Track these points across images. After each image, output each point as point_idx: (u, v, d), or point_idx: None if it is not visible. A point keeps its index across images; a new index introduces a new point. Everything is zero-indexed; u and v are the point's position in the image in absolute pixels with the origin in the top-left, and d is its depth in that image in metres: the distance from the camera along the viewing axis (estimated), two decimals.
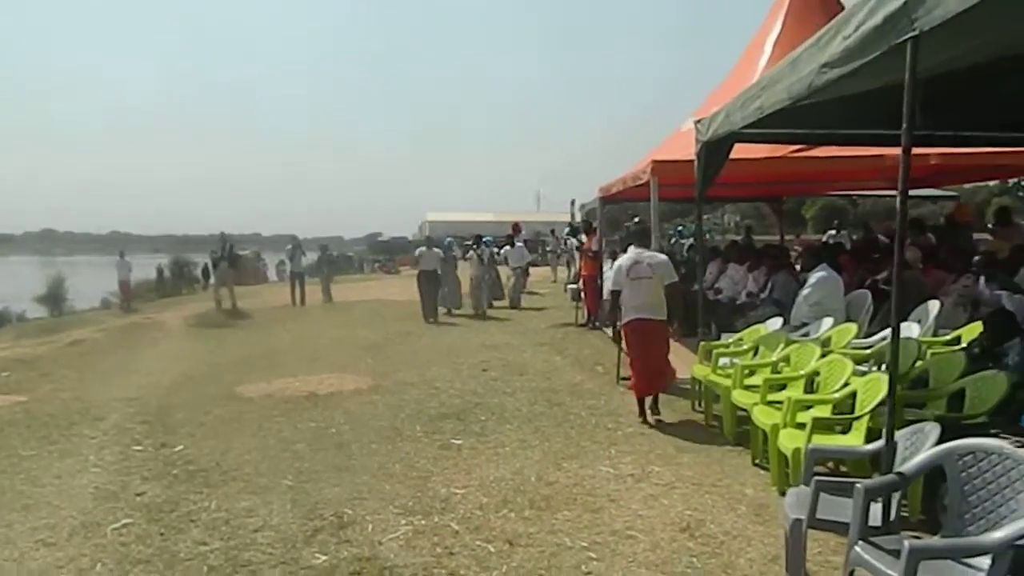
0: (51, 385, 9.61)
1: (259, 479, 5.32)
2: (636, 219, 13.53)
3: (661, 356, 6.78)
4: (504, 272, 17.36)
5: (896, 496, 3.15)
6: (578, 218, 16.03)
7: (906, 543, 2.54)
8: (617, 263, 7.13)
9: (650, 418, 6.63)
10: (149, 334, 15.23)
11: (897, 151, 3.18)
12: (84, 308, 24.52)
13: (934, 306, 6.70)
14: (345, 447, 6.06)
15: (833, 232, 19.11)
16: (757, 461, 5.29)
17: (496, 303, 16.34)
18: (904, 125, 3.10)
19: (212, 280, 19.33)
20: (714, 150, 6.76)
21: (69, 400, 8.44)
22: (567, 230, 19.76)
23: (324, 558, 3.97)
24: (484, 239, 17.01)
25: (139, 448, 6.26)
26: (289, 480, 5.27)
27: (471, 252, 16.42)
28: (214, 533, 4.34)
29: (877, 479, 3.17)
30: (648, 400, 6.77)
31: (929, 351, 5.58)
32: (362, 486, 5.09)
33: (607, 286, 11.66)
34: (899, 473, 3.08)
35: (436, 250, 15.29)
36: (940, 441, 3.11)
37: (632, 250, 6.86)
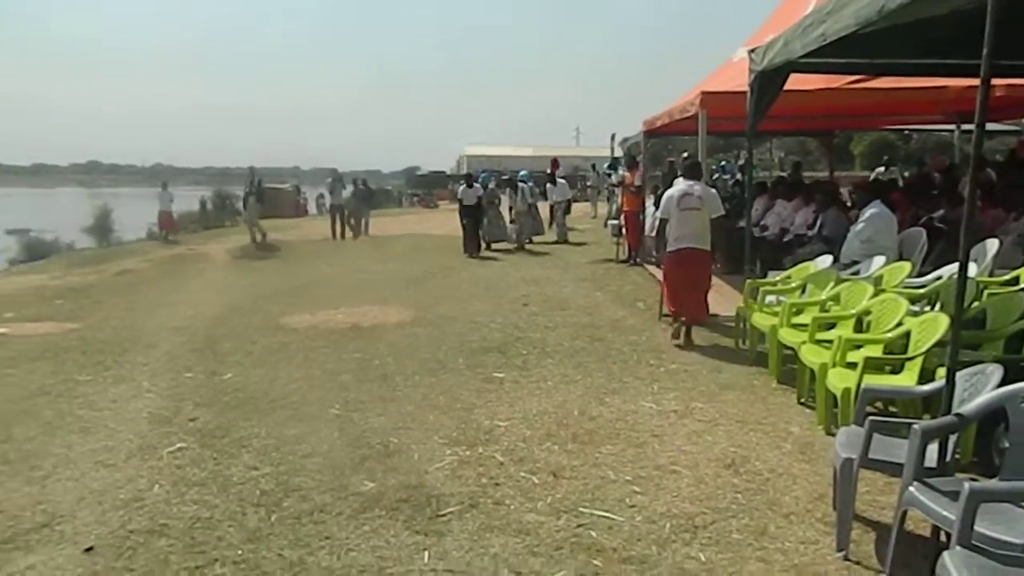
0: (102, 313, 9.86)
1: (306, 408, 5.43)
2: (685, 153, 13.21)
3: (702, 288, 7.06)
4: (544, 208, 17.26)
5: (953, 438, 3.08)
6: (618, 153, 15.69)
7: (966, 485, 2.49)
8: (668, 193, 7.32)
9: (682, 340, 6.98)
10: (194, 265, 15.50)
11: (961, 82, 3.00)
12: (130, 239, 24.99)
13: (992, 245, 6.48)
14: (389, 378, 6.13)
15: (882, 169, 18.42)
16: (802, 400, 5.24)
17: (536, 239, 16.30)
18: (984, 51, 2.90)
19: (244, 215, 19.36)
20: (768, 81, 6.50)
21: (120, 328, 8.67)
22: (607, 164, 19.41)
23: (372, 485, 4.05)
24: (521, 174, 16.89)
25: (190, 375, 6.42)
26: (336, 409, 5.37)
27: (507, 189, 16.50)
28: (264, 459, 4.46)
29: (936, 420, 3.10)
30: (683, 330, 7.06)
31: (986, 291, 5.40)
32: (407, 416, 5.17)
33: (649, 221, 11.59)
34: (958, 414, 3.01)
35: (476, 186, 15.22)
36: (1002, 383, 3.02)
37: (683, 181, 7.09)
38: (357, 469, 4.28)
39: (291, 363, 6.72)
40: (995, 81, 7.27)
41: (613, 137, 16.06)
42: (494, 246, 15.47)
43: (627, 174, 13.23)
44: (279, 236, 18.92)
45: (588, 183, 30.39)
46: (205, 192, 33.40)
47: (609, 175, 18.29)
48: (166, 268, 15.21)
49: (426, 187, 42.94)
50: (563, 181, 17.57)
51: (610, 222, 15.49)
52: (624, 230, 12.93)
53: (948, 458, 3.07)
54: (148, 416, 5.33)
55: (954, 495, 2.57)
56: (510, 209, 16.43)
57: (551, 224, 17.12)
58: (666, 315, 7.84)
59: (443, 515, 3.71)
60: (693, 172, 7.23)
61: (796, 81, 7.00)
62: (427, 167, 55.30)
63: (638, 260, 12.38)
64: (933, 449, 3.03)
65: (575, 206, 20.54)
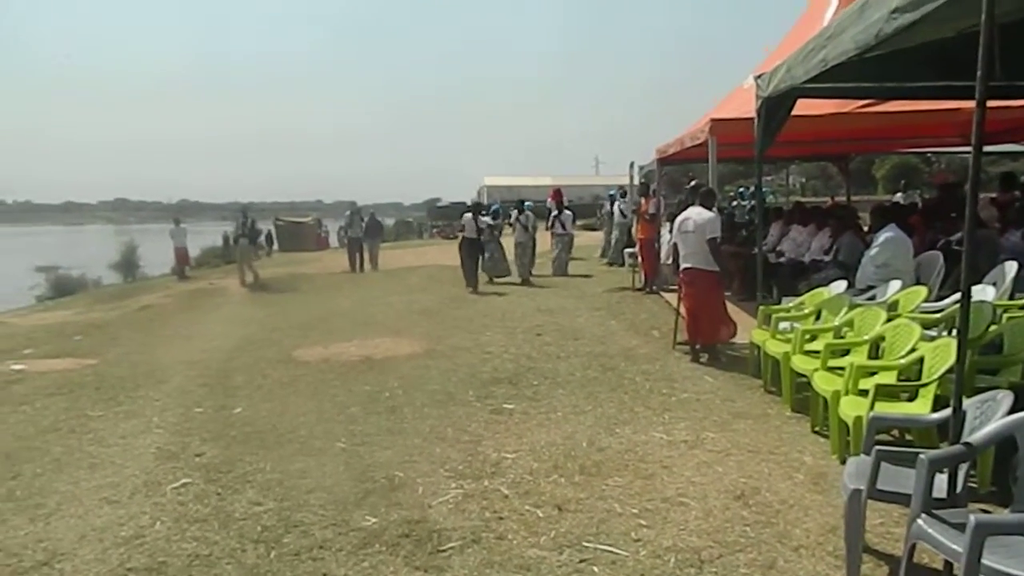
0: (120, 349, 9.95)
1: (313, 441, 5.40)
2: (693, 181, 13.16)
3: (709, 307, 7.43)
4: (546, 239, 17.02)
5: (963, 468, 2.98)
6: (636, 180, 15.67)
7: (972, 517, 2.39)
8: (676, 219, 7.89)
9: (699, 358, 7.39)
10: (212, 299, 15.64)
11: (974, 104, 2.95)
12: (155, 274, 25.34)
13: (1011, 268, 6.34)
14: (398, 411, 6.10)
15: (901, 194, 18.22)
16: (817, 429, 5.12)
17: (535, 271, 15.70)
18: (979, 74, 2.86)
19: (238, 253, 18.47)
20: (775, 107, 6.49)
21: (136, 363, 8.72)
22: (611, 193, 19.33)
23: (374, 520, 4.00)
24: (525, 204, 16.58)
25: (200, 410, 6.43)
26: (343, 443, 5.33)
27: (514, 218, 16.01)
28: (268, 494, 4.42)
29: (943, 449, 3.00)
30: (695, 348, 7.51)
31: (1005, 315, 5.28)
32: (413, 449, 5.12)
33: (664, 249, 11.58)
34: (967, 443, 2.91)
35: (484, 216, 14.78)
36: (1014, 410, 2.93)
37: (691, 208, 7.58)
38: (360, 504, 4.23)
39: (301, 396, 6.71)
40: (1010, 102, 7.25)
41: (632, 165, 16.07)
42: (496, 280, 14.92)
43: (642, 202, 13.21)
44: (298, 269, 19.09)
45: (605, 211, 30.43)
46: (228, 228, 33.87)
47: (611, 202, 18.17)
48: (185, 303, 15.36)
49: (446, 218, 43.19)
50: (568, 212, 17.12)
51: (625, 250, 15.40)
52: (639, 258, 12.87)
53: (959, 488, 2.97)
54: (155, 452, 5.32)
55: (963, 527, 2.48)
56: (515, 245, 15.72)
57: (554, 260, 16.46)
58: (681, 343, 7.80)
59: (444, 550, 3.64)
60: (704, 199, 7.61)
61: (805, 106, 6.98)
62: (448, 198, 55.68)
63: (654, 288, 12.29)
64: (943, 479, 2.93)
65: (592, 235, 20.47)
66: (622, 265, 16.00)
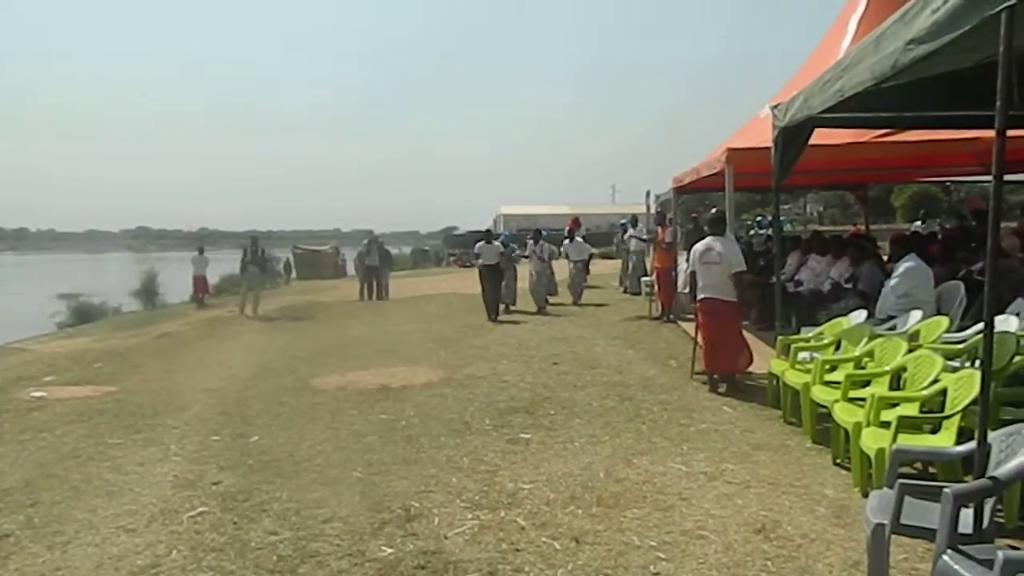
0: (139, 376, 10.01)
1: (330, 470, 5.40)
2: (714, 209, 13.17)
3: (729, 337, 7.39)
4: (561, 267, 17.02)
5: (990, 502, 2.92)
6: (653, 209, 15.71)
7: (1000, 553, 2.35)
8: (694, 247, 7.85)
9: (718, 388, 7.34)
10: (231, 327, 15.73)
11: (992, 133, 2.94)
12: (175, 302, 25.55)
13: None
14: (414, 440, 6.08)
15: (920, 223, 18.08)
16: (838, 460, 5.05)
17: (551, 299, 15.76)
18: (999, 103, 2.86)
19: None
20: (792, 136, 6.49)
21: (155, 391, 8.77)
22: (623, 222, 19.33)
23: (390, 551, 3.98)
24: (542, 233, 16.58)
25: (217, 438, 6.44)
26: (359, 472, 5.32)
27: (529, 247, 15.81)
28: (284, 523, 4.41)
29: (968, 484, 2.95)
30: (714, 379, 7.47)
31: None
32: (430, 479, 5.10)
33: (681, 278, 11.55)
34: (992, 477, 2.86)
35: (496, 244, 14.55)
36: None
37: (709, 239, 7.58)
38: (376, 534, 4.21)
39: (317, 425, 6.71)
40: None
41: (648, 194, 16.10)
42: (512, 308, 14.90)
43: (659, 231, 13.22)
44: (316, 297, 19.17)
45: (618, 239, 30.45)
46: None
47: (624, 230, 18.14)
48: (204, 330, 15.45)
49: (463, 247, 43.38)
50: (580, 240, 17.26)
51: (642, 279, 15.37)
52: (656, 287, 12.84)
53: (986, 524, 2.91)
54: (173, 480, 5.33)
55: (991, 564, 2.43)
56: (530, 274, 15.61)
57: (570, 286, 16.44)
58: (699, 373, 7.75)
59: None
60: (715, 227, 7.71)
61: (823, 135, 6.98)
62: (465, 227, 55.99)
63: (671, 317, 12.25)
64: (968, 514, 2.87)
65: (609, 263, 20.44)
66: (638, 294, 16.00)
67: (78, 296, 26.36)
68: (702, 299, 7.50)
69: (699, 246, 7.66)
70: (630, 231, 17.26)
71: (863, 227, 16.95)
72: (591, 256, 17.60)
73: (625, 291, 17.43)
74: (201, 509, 4.71)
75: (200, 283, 22.05)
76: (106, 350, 13.05)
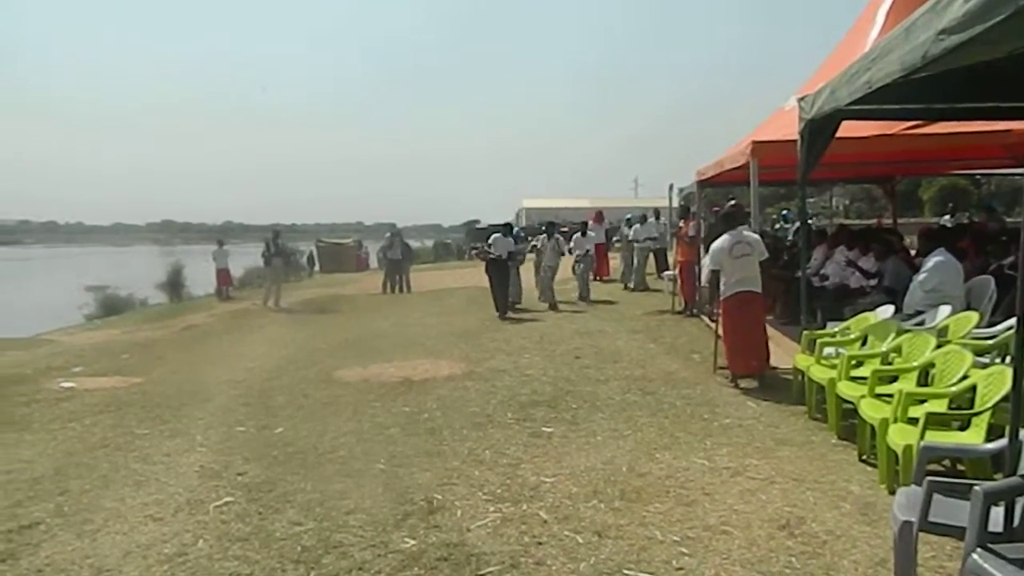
0: (165, 367, 10.15)
1: (353, 462, 5.43)
2: (732, 201, 13.00)
3: (759, 332, 7.29)
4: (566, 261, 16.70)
5: (1021, 501, 2.87)
6: (676, 202, 15.58)
7: None
8: (716, 244, 7.51)
9: (741, 383, 7.27)
10: (255, 319, 15.88)
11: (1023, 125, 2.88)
12: (200, 294, 25.84)
13: None
14: (437, 432, 6.10)
15: (948, 217, 17.77)
16: (864, 457, 4.99)
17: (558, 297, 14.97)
18: None
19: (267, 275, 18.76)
20: (819, 129, 6.41)
21: (181, 382, 8.88)
22: (628, 216, 19.06)
23: (413, 543, 3.99)
24: (556, 227, 16.06)
25: (242, 429, 6.51)
26: (382, 464, 5.35)
27: (541, 240, 15.40)
28: (308, 514, 4.45)
29: (999, 482, 2.90)
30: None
31: None
32: (452, 472, 5.11)
33: (705, 273, 11.43)
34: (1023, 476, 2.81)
35: (509, 239, 14.04)
36: None
37: (728, 233, 7.40)
38: (399, 526, 4.23)
39: (341, 417, 6.76)
40: None
41: (671, 187, 15.98)
42: (517, 306, 14.31)
43: (682, 224, 13.13)
44: (339, 290, 19.27)
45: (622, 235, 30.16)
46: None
47: (629, 225, 17.85)
48: (229, 323, 15.62)
49: (485, 240, 43.31)
50: (592, 234, 16.83)
51: (665, 274, 15.25)
52: (679, 281, 12.76)
53: (1016, 522, 2.86)
54: (199, 470, 5.40)
55: (1022, 563, 2.39)
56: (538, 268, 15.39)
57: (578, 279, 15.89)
58: (722, 367, 7.69)
59: (483, 575, 3.62)
60: (729, 222, 7.61)
61: (850, 128, 6.88)
62: (487, 220, 55.96)
63: (694, 311, 12.17)
64: (999, 512, 2.83)
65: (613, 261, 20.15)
66: (644, 291, 15.91)
67: (105, 288, 26.76)
68: (738, 292, 7.28)
69: (723, 242, 7.34)
70: (631, 228, 17.12)
71: (888, 220, 16.72)
72: (588, 251, 17.00)
73: (626, 287, 17.25)
74: (227, 499, 4.77)
75: (223, 276, 22.21)
76: (133, 342, 13.24)
